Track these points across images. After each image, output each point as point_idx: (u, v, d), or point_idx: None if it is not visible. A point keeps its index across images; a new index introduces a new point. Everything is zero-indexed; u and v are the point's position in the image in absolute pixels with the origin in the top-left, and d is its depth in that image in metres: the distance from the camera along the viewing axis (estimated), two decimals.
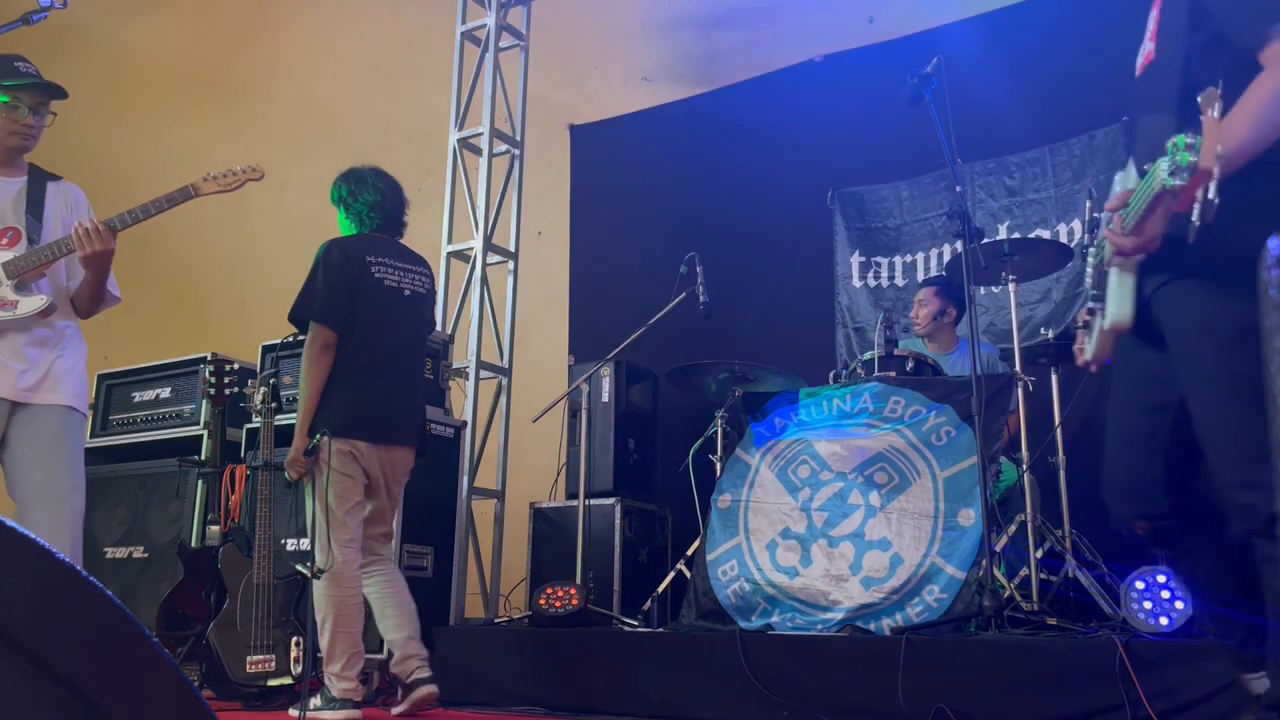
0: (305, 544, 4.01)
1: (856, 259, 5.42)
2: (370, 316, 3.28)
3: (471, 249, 4.93)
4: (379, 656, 3.71)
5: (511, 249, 5.07)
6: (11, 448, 2.70)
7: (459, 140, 5.13)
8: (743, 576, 3.42)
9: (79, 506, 2.73)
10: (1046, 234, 4.70)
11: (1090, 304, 2.19)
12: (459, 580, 4.21)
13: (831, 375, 4.12)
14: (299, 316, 3.31)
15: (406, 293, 3.41)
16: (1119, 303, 2.00)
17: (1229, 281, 1.79)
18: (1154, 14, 2.11)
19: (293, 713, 3.05)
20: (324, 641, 3.13)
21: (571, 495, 4.39)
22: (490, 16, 5.19)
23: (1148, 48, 2.11)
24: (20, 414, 2.71)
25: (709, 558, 3.54)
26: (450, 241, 5.04)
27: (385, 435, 3.28)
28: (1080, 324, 2.27)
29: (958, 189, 3.26)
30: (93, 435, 4.71)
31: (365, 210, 3.48)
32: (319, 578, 3.08)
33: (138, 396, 4.77)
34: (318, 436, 3.14)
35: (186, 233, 6.87)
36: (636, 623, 3.74)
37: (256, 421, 3.89)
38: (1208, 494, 1.92)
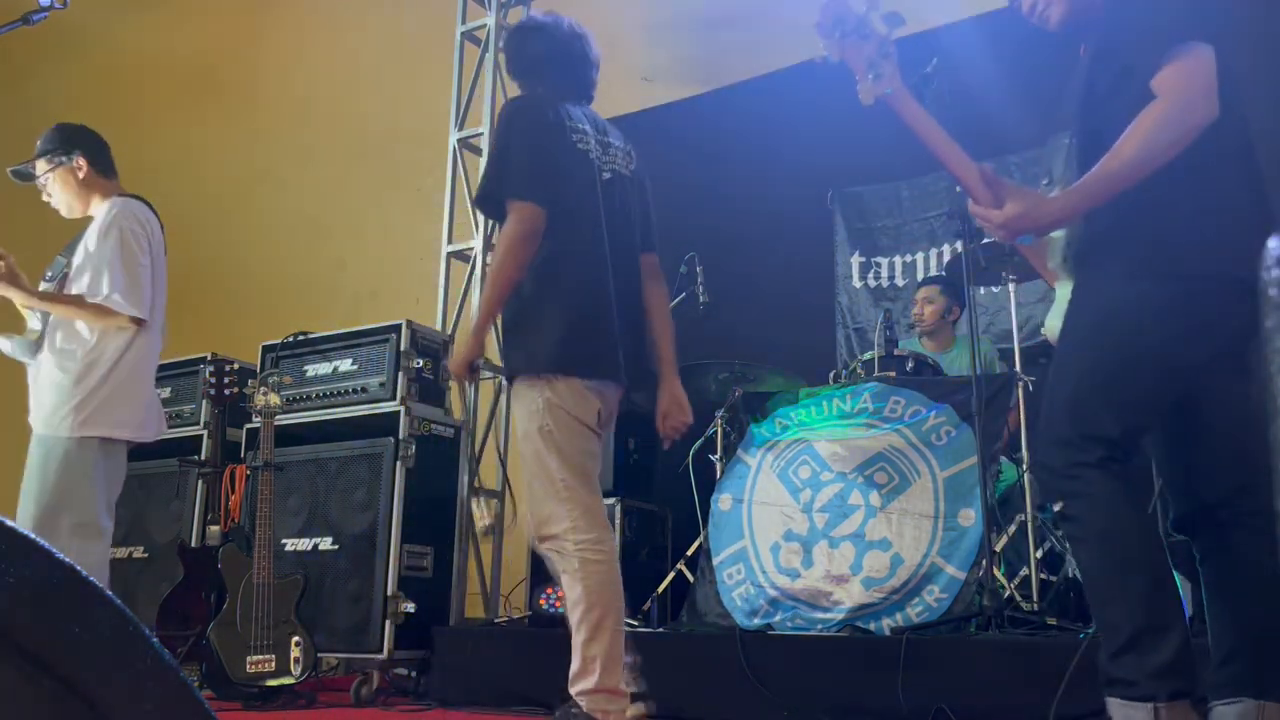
0: (302, 544, 4.01)
1: (856, 259, 5.42)
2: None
3: (471, 249, 4.93)
4: (379, 656, 3.71)
5: None
6: None
7: (459, 140, 5.13)
8: (748, 580, 3.42)
9: (30, 521, 2.81)
10: None
11: None
12: (459, 580, 4.21)
13: (831, 375, 4.12)
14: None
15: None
16: (1052, 316, 2.05)
17: (1102, 293, 1.89)
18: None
19: None
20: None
21: None
22: (490, 16, 5.19)
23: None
24: None
25: (714, 560, 3.53)
26: (450, 241, 5.04)
27: None
28: None
29: (957, 189, 3.26)
30: None
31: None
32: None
33: None
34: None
35: (186, 233, 6.87)
36: (636, 623, 3.73)
37: (256, 421, 3.89)
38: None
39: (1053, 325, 2.07)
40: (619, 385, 2.55)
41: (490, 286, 2.48)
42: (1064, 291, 2.05)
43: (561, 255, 2.47)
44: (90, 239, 3.03)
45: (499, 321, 2.69)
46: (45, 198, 3.15)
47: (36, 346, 3.01)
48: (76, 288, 2.98)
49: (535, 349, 2.46)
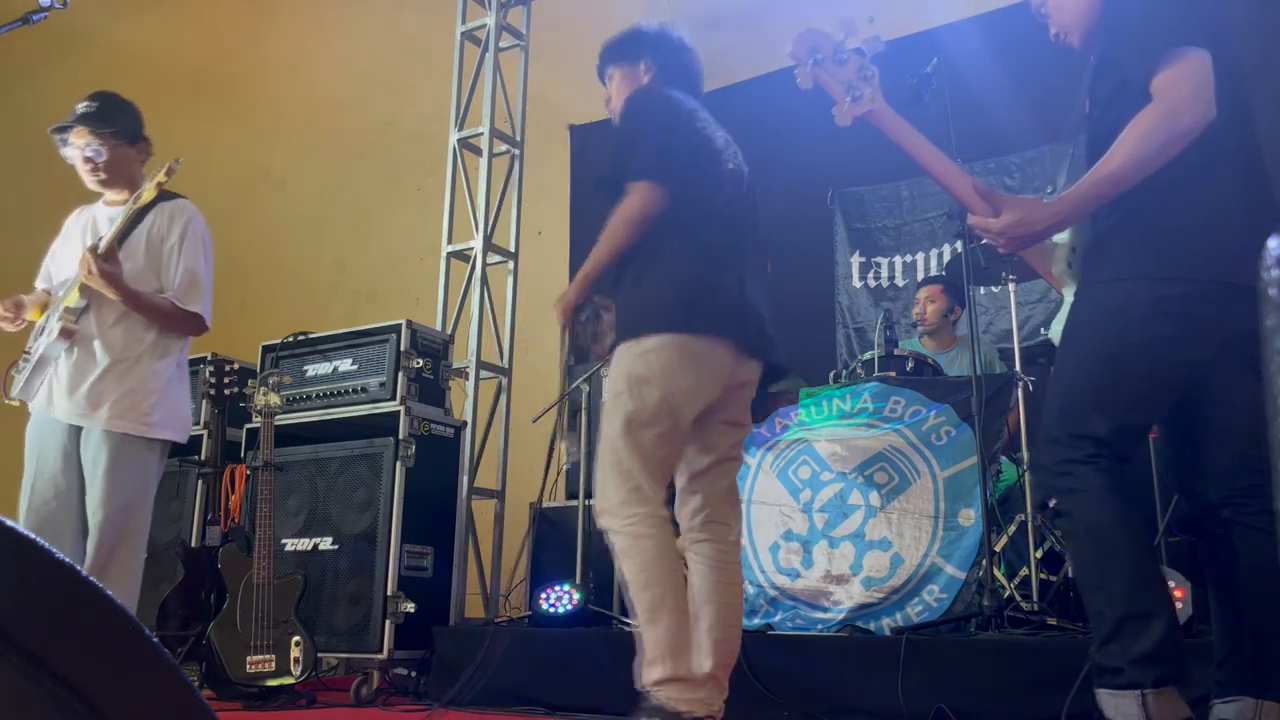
0: (302, 544, 4.01)
1: (856, 259, 5.42)
2: None
3: (471, 249, 4.93)
4: (379, 656, 3.71)
5: (511, 249, 5.08)
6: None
7: (459, 140, 5.14)
8: (747, 579, 3.41)
9: (109, 520, 2.79)
10: None
11: None
12: (459, 580, 4.21)
13: (831, 375, 4.12)
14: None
15: None
16: (1057, 322, 2.08)
17: (1094, 296, 1.93)
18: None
19: None
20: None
21: (571, 495, 4.39)
22: (490, 16, 5.19)
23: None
24: (82, 436, 2.86)
25: None
26: (450, 241, 5.04)
27: None
28: None
29: None
30: None
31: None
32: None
33: None
34: None
35: None
36: (636, 623, 3.73)
37: (256, 421, 3.89)
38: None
39: (1057, 330, 2.09)
40: (734, 347, 2.33)
41: (599, 249, 2.39)
42: (1071, 296, 2.07)
43: (672, 231, 2.37)
44: (167, 239, 2.96)
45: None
46: (75, 154, 2.97)
47: (70, 333, 2.86)
48: (143, 285, 2.89)
49: (633, 311, 2.35)
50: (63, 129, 2.97)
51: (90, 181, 3.01)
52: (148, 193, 2.86)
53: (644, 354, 2.28)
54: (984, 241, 3.36)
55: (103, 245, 2.81)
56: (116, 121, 2.99)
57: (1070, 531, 1.93)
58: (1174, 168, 1.80)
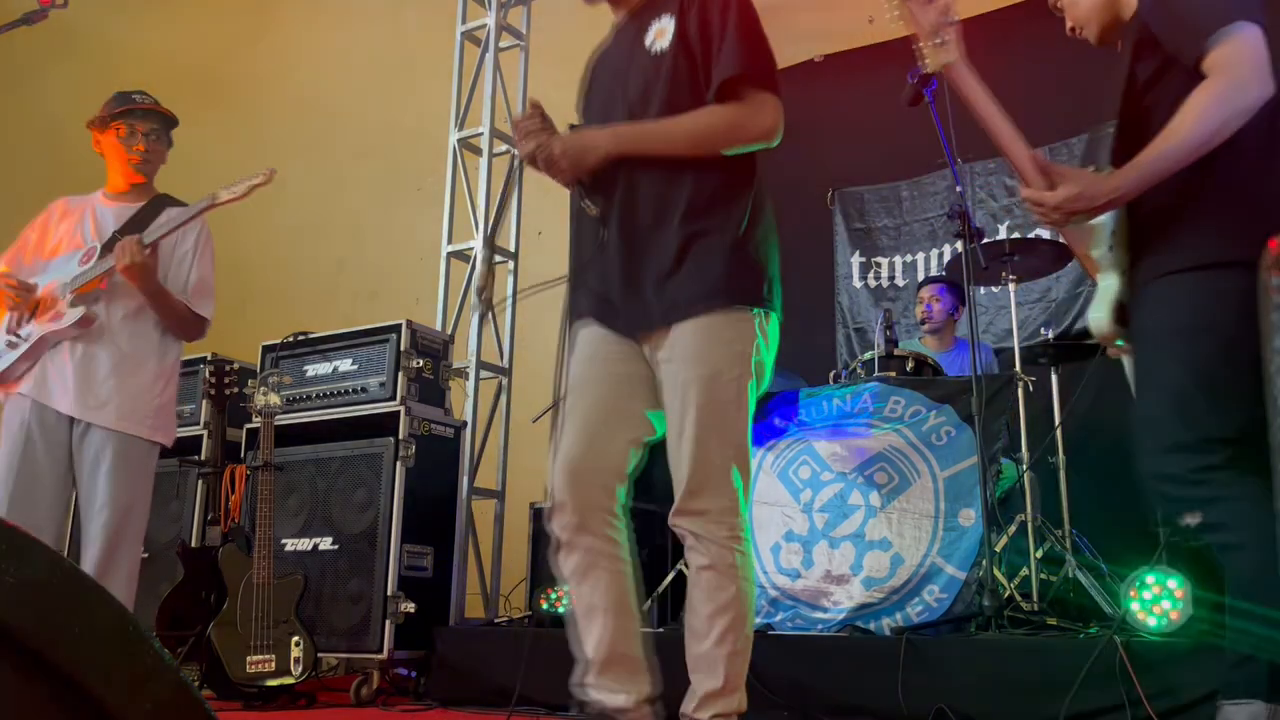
0: (302, 544, 4.01)
1: (856, 259, 5.42)
2: None
3: (471, 249, 4.93)
4: (379, 656, 3.71)
5: (511, 249, 5.08)
6: (74, 463, 2.83)
7: (459, 140, 5.14)
8: None
9: (112, 521, 2.78)
10: (1046, 234, 4.70)
11: None
12: (459, 580, 4.21)
13: (831, 375, 4.12)
14: None
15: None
16: (1096, 309, 2.01)
17: (1183, 287, 1.83)
18: None
19: None
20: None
21: None
22: (490, 16, 5.19)
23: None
24: (76, 430, 2.83)
25: None
26: (450, 241, 5.04)
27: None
28: None
29: (958, 189, 3.28)
30: None
31: None
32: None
33: None
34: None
35: None
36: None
37: (256, 421, 3.89)
38: None
39: (1097, 317, 2.01)
40: None
41: (666, 139, 2.01)
42: (1106, 281, 2.00)
43: (764, 187, 2.08)
44: (181, 244, 3.02)
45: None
46: (133, 137, 3.03)
47: (90, 320, 2.84)
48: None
49: (744, 270, 1.96)
50: (131, 112, 3.05)
51: (130, 163, 3.05)
52: (233, 194, 2.91)
53: (764, 333, 1.97)
54: (985, 240, 3.36)
55: (149, 237, 2.83)
56: (171, 123, 3.15)
57: (1233, 544, 1.73)
58: (1242, 145, 1.75)
